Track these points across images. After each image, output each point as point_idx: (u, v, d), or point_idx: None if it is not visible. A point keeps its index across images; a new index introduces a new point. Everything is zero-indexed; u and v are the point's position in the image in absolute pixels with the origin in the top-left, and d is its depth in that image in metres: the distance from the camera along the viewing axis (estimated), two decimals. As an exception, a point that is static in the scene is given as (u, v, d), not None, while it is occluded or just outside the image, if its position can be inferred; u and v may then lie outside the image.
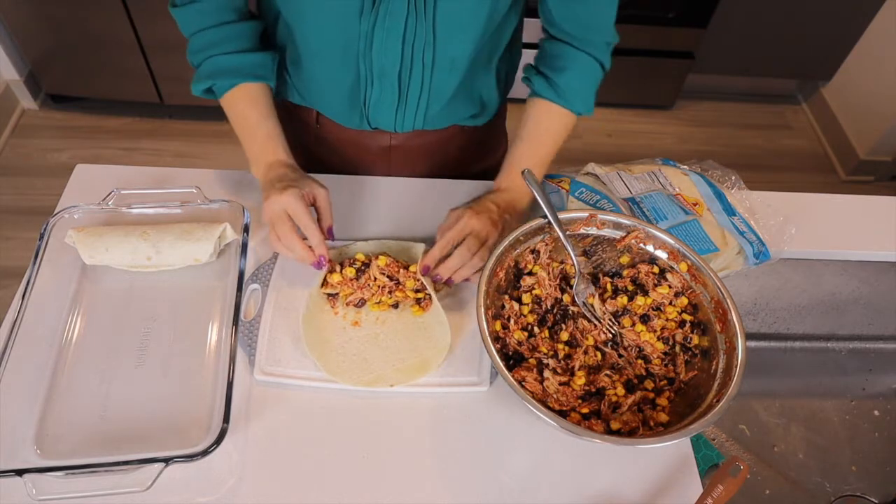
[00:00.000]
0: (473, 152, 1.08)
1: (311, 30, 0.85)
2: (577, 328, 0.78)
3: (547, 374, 0.72)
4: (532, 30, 0.97)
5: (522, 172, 0.81)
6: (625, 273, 0.83)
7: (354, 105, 0.93)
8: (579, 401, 0.72)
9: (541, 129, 0.92)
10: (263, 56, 0.89)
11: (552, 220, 0.78)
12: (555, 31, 0.90)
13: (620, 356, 0.77)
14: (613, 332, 0.78)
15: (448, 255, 0.82)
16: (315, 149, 1.05)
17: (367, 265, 0.84)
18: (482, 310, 0.70)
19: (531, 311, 0.79)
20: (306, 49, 0.88)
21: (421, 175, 1.04)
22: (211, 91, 0.88)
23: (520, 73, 1.01)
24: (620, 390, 0.73)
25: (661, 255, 0.81)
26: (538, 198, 0.78)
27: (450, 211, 0.88)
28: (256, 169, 0.87)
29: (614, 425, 0.69)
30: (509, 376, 0.66)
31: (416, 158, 1.05)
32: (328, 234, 0.84)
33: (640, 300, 0.80)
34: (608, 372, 0.75)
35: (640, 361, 0.77)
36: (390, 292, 0.83)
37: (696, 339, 0.77)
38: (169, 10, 0.86)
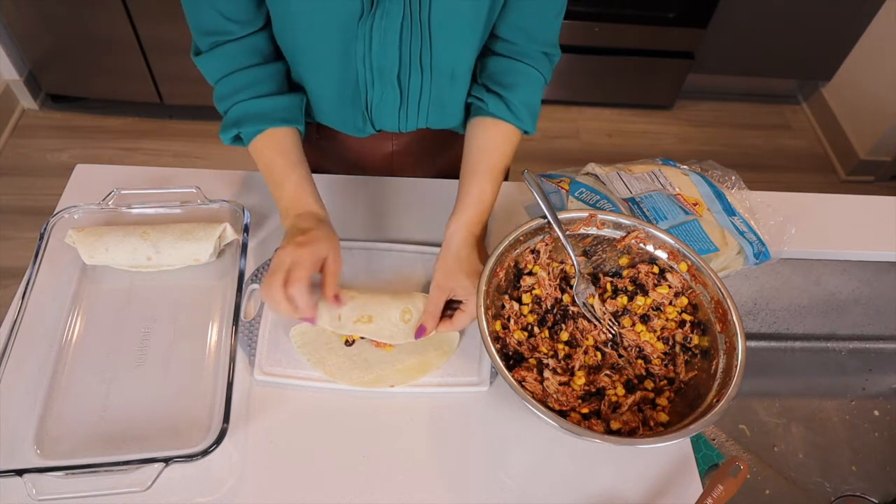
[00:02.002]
0: None
1: (309, 44, 0.82)
2: (577, 328, 0.78)
3: (547, 374, 0.72)
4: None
5: (523, 173, 0.81)
6: (625, 273, 0.83)
7: (357, 110, 0.93)
8: (579, 401, 0.72)
9: (503, 156, 0.85)
10: (290, 98, 0.86)
11: (552, 221, 0.78)
12: (496, 46, 0.87)
13: (620, 356, 0.77)
14: (613, 332, 0.78)
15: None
16: (316, 157, 1.04)
17: (352, 343, 0.81)
18: (482, 310, 0.70)
19: (531, 311, 0.79)
20: (305, 64, 0.86)
21: (424, 177, 1.04)
22: (239, 139, 0.85)
23: None
24: (620, 390, 0.73)
25: (661, 255, 0.81)
26: (538, 198, 0.78)
27: (440, 263, 0.80)
28: (285, 221, 0.81)
29: (614, 425, 0.69)
30: (509, 376, 0.66)
31: (418, 161, 1.04)
32: (335, 301, 0.78)
33: (640, 300, 0.80)
34: (608, 372, 0.75)
35: (640, 361, 0.77)
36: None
37: (696, 339, 0.77)
38: (192, 59, 0.83)
